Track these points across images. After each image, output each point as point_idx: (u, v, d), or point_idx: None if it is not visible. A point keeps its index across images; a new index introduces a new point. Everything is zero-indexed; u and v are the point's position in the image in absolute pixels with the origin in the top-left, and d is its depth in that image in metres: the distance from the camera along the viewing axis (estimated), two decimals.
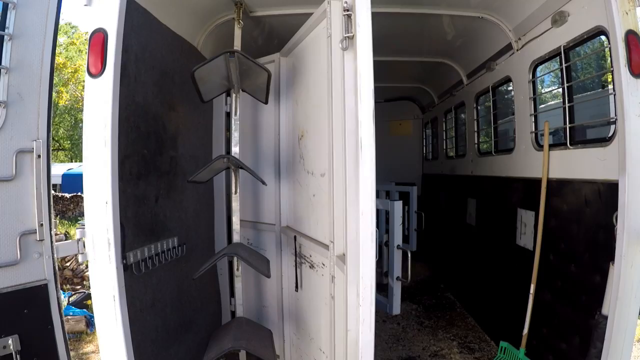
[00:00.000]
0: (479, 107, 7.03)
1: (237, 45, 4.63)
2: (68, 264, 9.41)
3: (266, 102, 4.28)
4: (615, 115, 3.36)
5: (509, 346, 5.04)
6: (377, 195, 3.84)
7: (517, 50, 5.21)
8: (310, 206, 4.10)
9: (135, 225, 3.60)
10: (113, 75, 2.90)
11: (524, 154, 5.12)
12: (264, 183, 4.11)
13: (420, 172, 11.53)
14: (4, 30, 2.81)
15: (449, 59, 7.31)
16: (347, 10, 2.86)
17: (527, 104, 4.98)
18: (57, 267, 2.98)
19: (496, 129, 6.38)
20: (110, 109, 2.88)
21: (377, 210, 3.39)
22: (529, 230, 4.89)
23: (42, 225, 2.89)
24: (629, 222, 3.14)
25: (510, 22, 5.15)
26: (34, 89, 2.89)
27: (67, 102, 31.29)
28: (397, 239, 5.78)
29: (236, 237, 4.27)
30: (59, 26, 3.09)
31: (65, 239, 4.11)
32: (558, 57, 4.39)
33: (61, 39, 31.30)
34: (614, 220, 3.28)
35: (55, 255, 2.95)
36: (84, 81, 3.06)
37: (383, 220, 7.03)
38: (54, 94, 3.06)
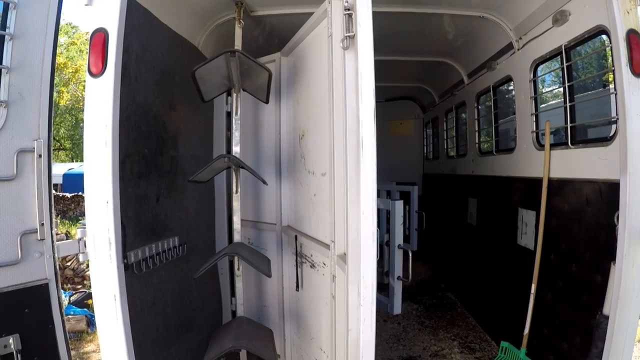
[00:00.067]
0: (479, 107, 7.03)
1: (238, 44, 4.63)
2: (69, 263, 9.42)
3: (267, 102, 4.28)
4: (617, 114, 3.35)
5: (509, 346, 5.03)
6: (378, 195, 3.85)
7: (518, 49, 5.21)
8: (311, 206, 4.10)
9: (136, 224, 3.60)
10: (114, 75, 2.90)
11: (525, 153, 5.12)
12: (264, 182, 4.12)
13: (421, 172, 11.53)
14: (4, 30, 2.81)
15: (450, 59, 7.30)
16: (348, 10, 2.86)
17: (528, 104, 4.98)
18: (58, 267, 2.98)
19: (497, 128, 6.37)
20: (111, 108, 2.87)
21: (378, 210, 3.38)
22: (530, 230, 4.88)
23: (43, 224, 2.90)
24: (630, 222, 3.13)
25: (511, 22, 5.14)
26: (35, 89, 2.90)
27: (68, 102, 31.27)
28: (398, 238, 5.78)
29: (237, 237, 4.26)
30: (60, 26, 3.09)
31: (66, 239, 4.11)
32: (559, 56, 4.38)
33: (62, 39, 31.29)
34: (615, 220, 3.28)
35: (56, 255, 2.95)
36: (84, 81, 3.05)
37: (384, 219, 7.03)
38: (54, 94, 3.05)
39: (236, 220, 4.27)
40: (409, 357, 5.72)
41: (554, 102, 7.77)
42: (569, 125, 4.22)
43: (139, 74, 3.62)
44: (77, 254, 3.06)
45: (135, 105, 3.58)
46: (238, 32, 4.66)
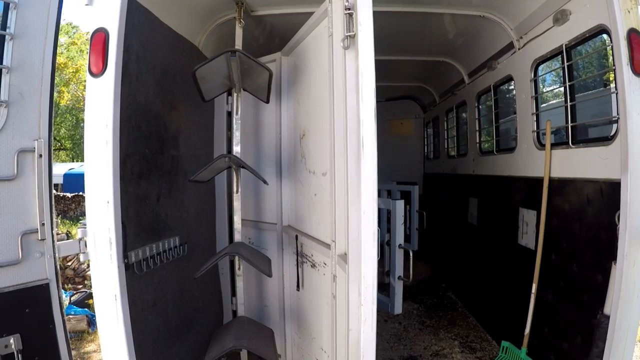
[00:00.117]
0: (480, 106, 7.02)
1: (239, 44, 4.63)
2: (70, 263, 9.43)
3: (267, 102, 4.27)
4: (618, 114, 3.35)
5: (510, 346, 5.03)
6: (379, 195, 3.84)
7: (519, 49, 5.20)
8: (312, 205, 4.10)
9: (136, 224, 3.60)
10: (114, 74, 2.89)
11: (525, 153, 5.11)
12: (265, 182, 4.12)
13: (422, 172, 11.52)
14: (5, 30, 2.81)
15: (451, 58, 7.30)
16: (349, 9, 2.85)
17: (529, 103, 4.97)
18: (58, 267, 2.98)
19: (498, 128, 6.37)
20: (112, 108, 2.87)
21: (379, 210, 3.38)
22: (531, 229, 4.88)
23: (43, 224, 2.90)
24: (631, 222, 3.13)
25: (511, 21, 5.14)
26: (36, 89, 2.90)
27: (68, 102, 31.31)
28: (399, 238, 5.78)
29: (237, 237, 4.26)
30: (60, 26, 3.09)
31: (67, 239, 4.11)
32: (560, 55, 4.38)
33: (62, 39, 31.32)
34: (616, 219, 3.27)
35: (56, 255, 2.95)
36: (85, 81, 3.06)
37: (385, 219, 7.01)
38: (55, 94, 3.05)
39: (237, 220, 4.27)
40: (409, 357, 5.72)
41: (554, 101, 7.77)
42: (569, 124, 4.22)
43: (139, 73, 3.62)
44: (77, 254, 3.05)
45: (136, 105, 3.59)
46: (238, 32, 4.66)
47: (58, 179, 24.94)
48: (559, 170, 4.39)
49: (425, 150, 11.60)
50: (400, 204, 5.79)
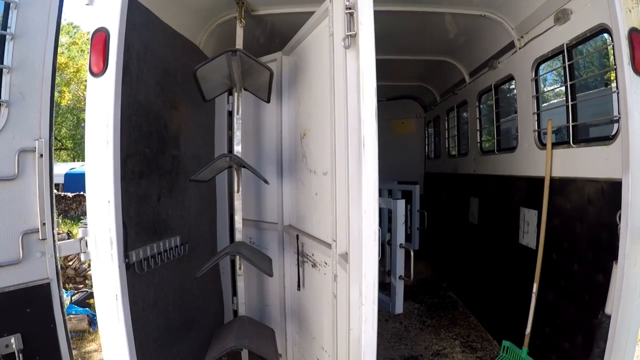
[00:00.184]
0: (481, 106, 7.02)
1: (239, 44, 4.62)
2: (71, 262, 9.44)
3: (268, 101, 4.27)
4: (619, 113, 3.34)
5: (511, 345, 5.03)
6: (380, 194, 3.84)
7: (520, 48, 5.20)
8: (313, 205, 4.10)
9: (137, 224, 3.60)
10: (115, 74, 2.90)
11: (526, 152, 5.11)
12: (266, 182, 4.11)
13: (423, 171, 11.51)
14: (5, 30, 2.81)
15: (451, 58, 7.29)
16: (349, 9, 2.85)
17: (530, 103, 4.97)
18: (59, 266, 2.98)
19: (499, 127, 6.36)
20: (113, 108, 2.87)
21: (380, 209, 3.38)
22: (532, 229, 4.88)
23: (44, 224, 2.90)
24: (632, 221, 3.13)
25: (512, 20, 5.14)
26: (36, 89, 2.90)
27: (69, 102, 31.35)
28: (400, 237, 5.79)
29: (238, 236, 4.26)
30: (61, 26, 3.09)
31: (68, 238, 4.11)
32: (561, 55, 4.37)
33: (63, 39, 31.32)
34: (617, 219, 3.27)
35: (57, 254, 2.96)
36: (86, 81, 3.06)
37: (385, 219, 7.01)
38: (56, 94, 3.05)
39: (238, 219, 4.27)
40: (410, 357, 5.72)
41: (555, 101, 7.76)
42: (570, 124, 4.21)
43: (140, 73, 3.62)
44: (78, 254, 3.05)
45: (137, 105, 3.59)
46: (239, 32, 4.66)
47: (59, 179, 24.98)
48: (560, 170, 4.38)
49: (426, 150, 11.59)
50: (401, 204, 5.80)
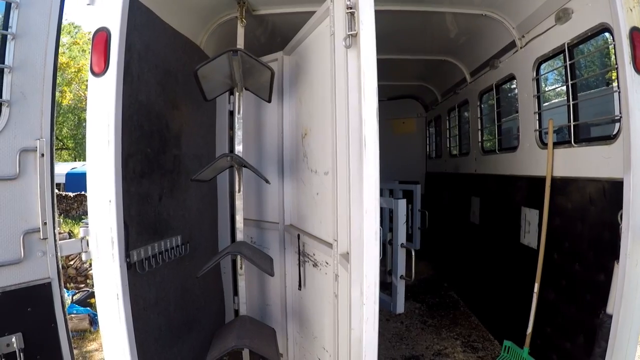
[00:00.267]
0: (482, 105, 7.02)
1: (240, 43, 4.63)
2: (72, 262, 9.45)
3: (269, 101, 4.27)
4: (620, 113, 3.34)
5: (512, 345, 5.03)
6: (381, 194, 3.84)
7: (521, 47, 5.19)
8: (314, 204, 4.10)
9: (138, 223, 3.60)
10: (116, 74, 2.90)
11: (527, 152, 5.10)
12: (267, 182, 4.11)
13: (424, 171, 11.51)
14: (7, 30, 2.81)
15: (453, 57, 7.29)
16: (350, 8, 2.84)
17: (531, 102, 4.96)
18: (60, 266, 2.98)
19: (500, 127, 6.36)
20: (114, 107, 2.88)
21: (381, 209, 3.38)
22: (533, 228, 4.87)
23: (45, 223, 2.90)
24: (633, 221, 3.12)
25: (513, 20, 5.13)
26: (37, 88, 2.90)
27: (70, 102, 31.39)
28: (401, 237, 5.80)
29: (240, 236, 4.26)
30: (62, 26, 3.09)
31: (69, 238, 4.11)
32: (562, 54, 4.37)
33: (64, 39, 31.34)
34: (619, 218, 3.27)
35: (58, 254, 2.96)
36: (87, 80, 3.06)
37: (387, 218, 7.02)
38: (57, 94, 3.05)
39: (239, 219, 4.27)
40: (411, 356, 5.72)
41: (557, 100, 7.75)
42: (572, 123, 4.21)
43: (141, 73, 3.62)
44: (79, 253, 3.06)
45: (138, 105, 3.59)
46: (240, 31, 4.66)
47: (60, 179, 25.01)
48: (562, 170, 4.38)
49: (428, 150, 11.59)
50: (402, 203, 5.80)
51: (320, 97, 3.80)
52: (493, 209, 6.37)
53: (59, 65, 3.12)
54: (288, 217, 4.88)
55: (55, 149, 3.03)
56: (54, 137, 3.00)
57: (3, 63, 2.80)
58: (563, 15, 4.18)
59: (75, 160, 35.14)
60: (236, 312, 5.33)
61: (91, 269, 4.00)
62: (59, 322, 2.98)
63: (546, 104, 5.68)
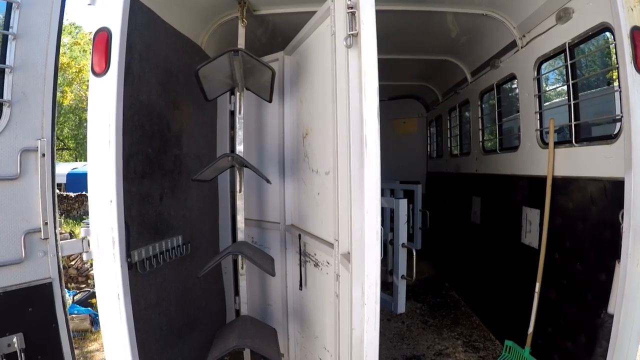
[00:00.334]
0: (483, 105, 7.01)
1: (241, 43, 4.63)
2: (73, 262, 9.46)
3: (270, 101, 4.27)
4: (621, 112, 3.34)
5: (514, 345, 5.03)
6: (382, 194, 3.84)
7: (522, 47, 5.19)
8: (315, 204, 4.09)
9: (139, 223, 3.60)
10: (117, 74, 2.90)
11: (529, 151, 5.10)
12: (268, 181, 4.11)
13: (425, 171, 11.50)
14: (8, 30, 2.81)
15: (453, 57, 7.29)
16: (351, 8, 2.84)
17: (532, 102, 4.96)
18: (61, 266, 2.99)
19: (501, 126, 6.35)
20: (115, 107, 2.88)
21: (382, 209, 3.37)
22: (534, 228, 4.87)
23: (46, 223, 2.90)
24: (635, 220, 3.12)
25: (514, 19, 5.13)
26: (38, 88, 2.90)
27: (71, 102, 31.40)
28: (402, 237, 5.78)
29: (241, 236, 4.26)
30: (63, 27, 3.09)
31: (70, 238, 4.12)
32: (563, 54, 4.37)
33: (65, 39, 31.33)
34: (620, 218, 3.27)
35: (59, 254, 2.96)
36: (88, 81, 3.06)
37: (388, 218, 7.01)
38: (58, 94, 3.06)
39: (240, 219, 4.26)
40: (412, 356, 5.72)
41: (558, 100, 7.74)
42: (573, 123, 4.21)
43: (142, 73, 3.62)
44: (80, 253, 3.06)
45: (139, 105, 3.59)
46: (241, 31, 4.66)
47: (61, 179, 25.00)
48: (563, 169, 4.38)
49: (428, 149, 11.58)
50: (403, 203, 5.79)
51: (321, 97, 3.80)
52: (494, 208, 6.36)
53: (60, 65, 3.12)
54: (289, 217, 4.88)
55: (56, 149, 3.03)
56: (55, 137, 3.00)
57: (4, 63, 2.80)
58: (564, 15, 4.18)
59: (76, 161, 35.15)
60: (237, 312, 5.33)
61: (92, 269, 4.00)
62: (60, 322, 2.98)
63: (547, 103, 5.68)
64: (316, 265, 4.07)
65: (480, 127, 7.01)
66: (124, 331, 2.94)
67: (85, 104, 29.16)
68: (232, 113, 5.39)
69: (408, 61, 7.60)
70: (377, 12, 2.74)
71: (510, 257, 5.58)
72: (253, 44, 5.23)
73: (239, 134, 4.22)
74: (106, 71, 2.89)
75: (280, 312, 5.09)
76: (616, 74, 3.50)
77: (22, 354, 2.80)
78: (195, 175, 3.86)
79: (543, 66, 4.92)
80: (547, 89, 6.31)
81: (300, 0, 4.72)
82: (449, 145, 9.31)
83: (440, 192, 9.75)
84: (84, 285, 9.09)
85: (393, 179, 9.55)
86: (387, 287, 6.28)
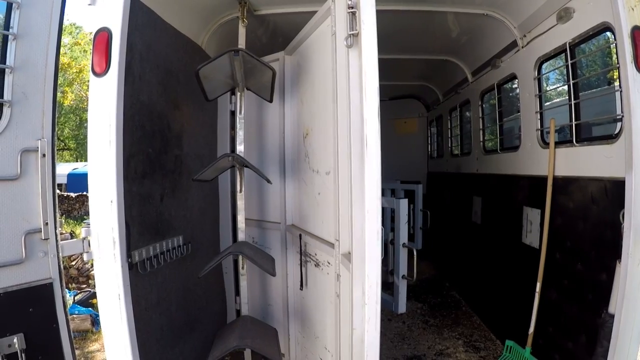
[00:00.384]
0: (484, 105, 7.01)
1: (242, 43, 4.63)
2: (74, 262, 9.46)
3: (271, 101, 4.26)
4: (622, 112, 3.33)
5: (514, 345, 5.02)
6: (383, 194, 3.84)
7: (522, 47, 5.19)
8: (316, 204, 4.09)
9: (140, 224, 3.60)
10: (117, 74, 2.90)
11: (529, 151, 5.10)
12: (269, 181, 4.11)
13: (426, 170, 11.50)
14: (8, 30, 2.81)
15: (454, 57, 7.28)
16: (352, 8, 2.84)
17: (533, 101, 4.96)
18: (62, 266, 2.99)
19: (501, 126, 6.35)
20: (115, 108, 2.88)
21: (383, 209, 3.37)
22: (535, 228, 4.87)
23: (47, 224, 2.90)
24: (635, 220, 3.12)
25: (515, 19, 5.13)
26: (39, 89, 2.90)
27: (72, 102, 31.41)
28: (403, 237, 5.77)
29: (241, 236, 4.26)
30: (64, 27, 3.09)
31: (71, 238, 4.12)
32: (563, 53, 4.36)
33: (65, 39, 31.31)
34: (621, 218, 3.26)
35: (60, 254, 2.96)
36: (88, 81, 3.06)
37: (388, 218, 7.01)
38: (58, 94, 3.06)
39: (240, 219, 4.26)
40: (413, 356, 5.72)
41: (558, 99, 7.73)
42: (573, 123, 4.21)
43: (142, 73, 3.62)
44: (81, 254, 3.06)
45: (139, 105, 3.59)
46: (242, 31, 4.66)
47: (62, 179, 25.02)
48: (563, 169, 4.37)
49: (429, 149, 11.57)
50: (404, 203, 5.78)
51: (322, 97, 3.80)
52: (495, 208, 6.36)
53: (60, 65, 3.11)
54: (290, 217, 4.88)
55: (57, 150, 3.03)
56: (56, 138, 3.00)
57: (4, 63, 2.80)
58: (564, 15, 4.18)
59: (76, 161, 35.18)
60: (238, 312, 5.33)
61: (93, 270, 4.00)
62: (60, 322, 2.98)
63: (548, 103, 5.68)
64: (317, 265, 4.07)
65: (481, 127, 7.01)
66: (125, 331, 2.94)
67: (85, 104, 29.16)
68: (233, 113, 5.39)
69: (409, 61, 7.59)
70: (378, 12, 2.73)
71: (511, 257, 5.57)
72: (253, 44, 5.23)
73: (240, 134, 4.22)
74: (106, 71, 2.89)
75: (281, 312, 5.09)
76: (617, 73, 3.49)
77: (23, 355, 2.80)
78: (196, 176, 3.86)
79: (544, 66, 4.92)
80: (548, 88, 6.30)
81: (301, 0, 4.72)
82: (449, 145, 9.31)
83: (441, 192, 9.75)
84: (84, 286, 9.10)
85: (394, 179, 9.53)
86: (387, 287, 6.27)
